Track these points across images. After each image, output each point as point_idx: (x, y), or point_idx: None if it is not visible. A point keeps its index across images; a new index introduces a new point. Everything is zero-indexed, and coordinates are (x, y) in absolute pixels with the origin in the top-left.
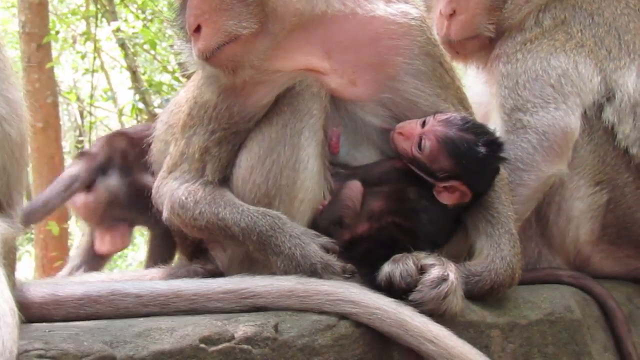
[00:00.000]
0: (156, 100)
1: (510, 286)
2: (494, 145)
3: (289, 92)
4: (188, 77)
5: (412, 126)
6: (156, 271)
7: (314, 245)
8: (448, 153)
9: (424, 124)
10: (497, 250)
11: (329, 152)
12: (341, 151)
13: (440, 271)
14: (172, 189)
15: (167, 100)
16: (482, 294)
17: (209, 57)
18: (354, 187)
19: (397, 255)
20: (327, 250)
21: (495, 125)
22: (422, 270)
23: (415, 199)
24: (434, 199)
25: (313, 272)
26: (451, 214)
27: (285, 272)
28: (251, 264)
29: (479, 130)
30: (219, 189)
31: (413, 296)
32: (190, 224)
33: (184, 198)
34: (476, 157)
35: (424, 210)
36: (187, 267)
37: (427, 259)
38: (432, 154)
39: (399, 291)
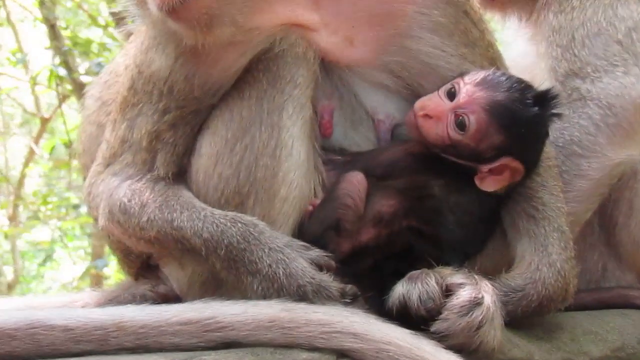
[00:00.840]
0: (83, 65)
1: (564, 302)
2: (547, 99)
3: (266, 54)
4: (127, 34)
5: (437, 102)
6: (90, 295)
7: (301, 261)
8: (500, 124)
9: (452, 95)
10: (543, 254)
11: (319, 134)
12: (335, 133)
13: (472, 292)
14: (110, 188)
15: (99, 65)
16: (528, 314)
17: (175, 10)
18: (355, 181)
19: (415, 272)
20: (319, 267)
21: None
22: (447, 291)
23: (441, 196)
24: (466, 192)
25: (301, 296)
26: (487, 212)
27: (265, 297)
28: (218, 286)
29: (522, 85)
30: (173, 186)
31: (437, 326)
32: (135, 234)
33: (126, 200)
34: (528, 120)
35: (452, 210)
36: (132, 290)
37: (454, 277)
38: (479, 131)
39: (417, 320)
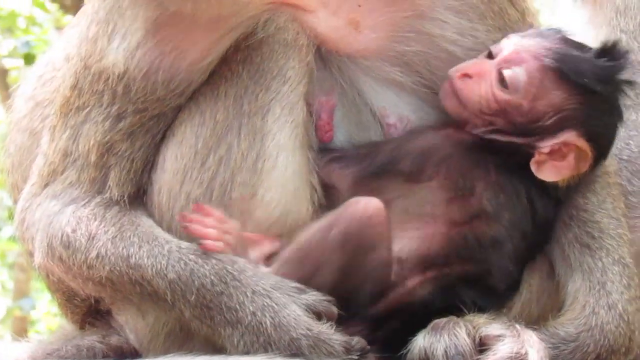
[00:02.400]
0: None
1: (628, 353)
2: (615, 55)
3: (246, 41)
4: (64, 5)
5: (477, 62)
6: (22, 348)
7: (294, 308)
8: (559, 73)
9: (490, 56)
10: (600, 293)
11: (317, 138)
12: (337, 136)
13: (513, 347)
14: (49, 215)
15: (27, 45)
16: None
17: None
18: (374, 215)
19: (440, 320)
20: (317, 314)
21: None
22: (482, 345)
23: (495, 211)
24: (520, 197)
25: (295, 352)
26: (542, 227)
27: (248, 353)
28: (188, 338)
29: (579, 43)
30: (129, 212)
31: None
32: (81, 274)
33: (69, 230)
34: (595, 73)
35: (509, 233)
36: (77, 342)
37: (490, 327)
38: (532, 84)
39: None
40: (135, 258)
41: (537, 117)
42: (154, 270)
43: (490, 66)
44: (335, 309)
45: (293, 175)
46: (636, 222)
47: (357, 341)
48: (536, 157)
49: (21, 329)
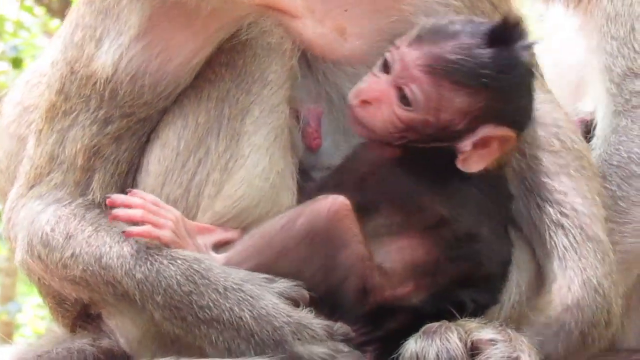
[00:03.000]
0: None
1: (608, 326)
2: (508, 31)
3: (229, 43)
4: (51, 9)
5: (372, 81)
6: (11, 350)
7: (270, 297)
8: (454, 82)
9: (386, 67)
10: (574, 272)
11: (305, 145)
12: (325, 146)
13: (505, 351)
14: (32, 214)
15: (15, 49)
16: (573, 351)
17: None
18: (340, 210)
19: (431, 325)
20: (292, 300)
21: (596, 100)
22: (474, 349)
23: (449, 208)
24: (471, 186)
25: (278, 341)
26: (504, 215)
27: (230, 351)
28: (176, 341)
29: (471, 25)
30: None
31: None
32: (57, 273)
33: (49, 229)
34: (490, 66)
35: (469, 217)
36: (68, 344)
37: (482, 331)
38: (430, 100)
39: None
40: (106, 258)
41: (447, 126)
42: (122, 270)
43: (386, 85)
44: (306, 293)
45: (263, 173)
46: (626, 228)
47: (340, 326)
48: (460, 157)
49: (7, 333)
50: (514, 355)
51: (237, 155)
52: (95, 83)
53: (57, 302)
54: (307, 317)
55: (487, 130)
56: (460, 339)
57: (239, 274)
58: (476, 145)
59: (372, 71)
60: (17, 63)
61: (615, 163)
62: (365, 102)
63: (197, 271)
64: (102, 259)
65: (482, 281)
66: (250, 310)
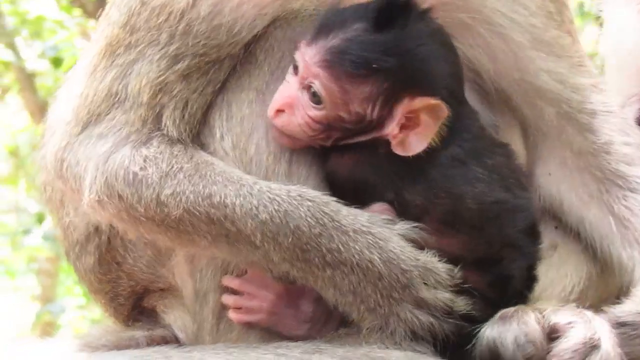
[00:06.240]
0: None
1: None
2: (390, 8)
3: (272, 26)
4: (87, 11)
5: (283, 89)
6: (58, 343)
7: (396, 239)
8: (350, 74)
9: (296, 69)
10: None
11: None
12: None
13: (586, 332)
14: (101, 153)
15: (54, 49)
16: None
17: None
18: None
19: (507, 310)
20: (415, 242)
21: None
22: (552, 332)
23: (425, 197)
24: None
25: (405, 285)
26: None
27: (354, 292)
28: (229, 330)
29: (358, 11)
30: (197, 152)
31: None
32: (146, 213)
33: (137, 169)
34: (386, 56)
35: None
36: (120, 333)
37: (559, 314)
38: (334, 94)
39: None
40: (220, 197)
41: (362, 116)
42: (242, 210)
43: (295, 89)
44: (425, 234)
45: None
46: None
47: (458, 269)
48: (393, 142)
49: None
50: (596, 336)
51: (298, 161)
52: (169, 15)
53: (109, 298)
54: (432, 260)
55: (404, 108)
56: (538, 322)
57: (364, 216)
58: (406, 126)
59: (285, 78)
60: (56, 63)
61: None
62: (279, 112)
63: (327, 213)
64: (214, 197)
65: (508, 248)
66: (379, 254)
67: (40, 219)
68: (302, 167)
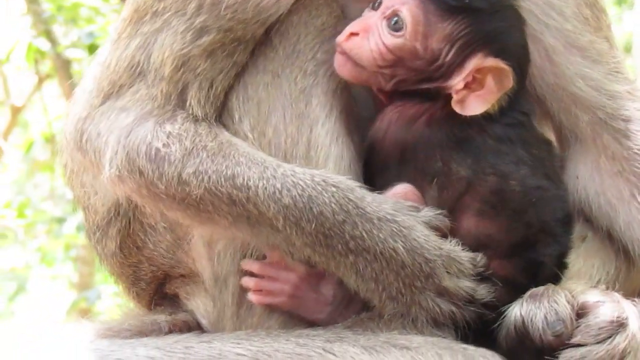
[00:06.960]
0: (70, 35)
1: None
2: None
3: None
4: None
5: (362, 19)
6: (79, 327)
7: (420, 228)
8: (439, 5)
9: (375, 6)
10: None
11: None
12: None
13: (613, 312)
14: (123, 127)
15: (90, 36)
16: None
17: None
18: (409, 194)
19: (537, 289)
20: (438, 230)
21: None
22: (581, 310)
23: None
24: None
25: (429, 274)
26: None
27: (376, 281)
28: (249, 316)
29: None
30: (222, 132)
31: (567, 355)
32: (167, 190)
33: (160, 145)
34: None
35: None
36: (142, 318)
37: (588, 294)
38: (418, 22)
39: (542, 347)
40: (243, 179)
41: (436, 55)
42: (265, 193)
43: (374, 17)
44: (447, 221)
45: (349, 163)
46: None
47: (481, 257)
48: (455, 97)
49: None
50: (624, 315)
51: (316, 144)
52: None
53: (131, 282)
54: (455, 249)
55: (475, 62)
56: (568, 302)
57: (388, 203)
58: (470, 86)
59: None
60: (92, 50)
61: None
62: (352, 34)
63: (351, 200)
64: (237, 178)
65: (543, 234)
66: (403, 242)
67: (75, 207)
68: (321, 151)
